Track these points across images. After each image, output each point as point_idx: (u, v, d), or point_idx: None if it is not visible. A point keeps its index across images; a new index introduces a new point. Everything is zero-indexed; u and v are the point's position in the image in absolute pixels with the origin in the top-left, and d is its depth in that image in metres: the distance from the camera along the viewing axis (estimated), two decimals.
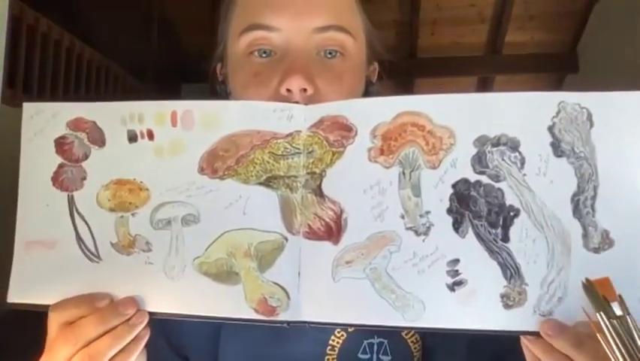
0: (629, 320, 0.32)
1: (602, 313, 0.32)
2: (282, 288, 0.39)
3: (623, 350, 0.31)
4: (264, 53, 0.46)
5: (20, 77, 2.74)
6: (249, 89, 0.46)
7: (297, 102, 0.44)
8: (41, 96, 2.93)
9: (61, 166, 0.43)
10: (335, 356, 0.49)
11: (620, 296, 0.33)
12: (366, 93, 0.52)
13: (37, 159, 0.43)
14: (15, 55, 2.61)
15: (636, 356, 0.31)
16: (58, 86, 3.06)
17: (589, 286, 0.34)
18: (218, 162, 0.41)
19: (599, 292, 0.33)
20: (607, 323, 0.32)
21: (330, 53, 0.46)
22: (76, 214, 0.42)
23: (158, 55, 3.69)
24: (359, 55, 0.49)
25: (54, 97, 3.01)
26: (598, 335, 0.32)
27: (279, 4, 0.45)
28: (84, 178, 0.42)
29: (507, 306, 0.36)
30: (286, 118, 0.40)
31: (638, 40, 2.90)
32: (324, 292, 0.39)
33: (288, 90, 0.44)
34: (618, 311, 0.32)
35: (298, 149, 0.40)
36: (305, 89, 0.44)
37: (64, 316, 0.38)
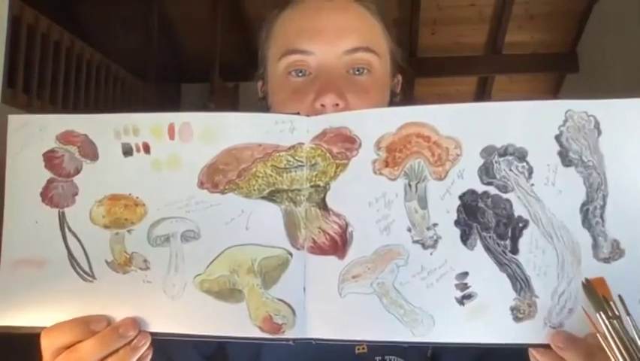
0: (629, 320, 0.31)
1: (601, 313, 0.32)
2: (288, 305, 0.38)
3: (623, 350, 0.30)
4: (300, 72, 0.52)
5: (20, 77, 2.73)
6: (287, 105, 0.52)
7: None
8: (41, 96, 2.89)
9: (50, 181, 0.40)
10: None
11: (620, 296, 0.32)
12: (391, 104, 0.57)
13: (24, 174, 0.40)
14: (15, 55, 2.59)
15: (636, 356, 0.30)
16: (58, 86, 3.02)
17: (589, 286, 0.34)
18: (219, 176, 0.39)
19: (598, 292, 0.33)
20: (607, 322, 0.31)
21: (358, 70, 0.52)
22: (67, 231, 0.40)
23: (158, 55, 3.67)
24: (384, 71, 0.54)
25: (53, 97, 2.96)
26: (598, 335, 0.32)
27: (313, 32, 0.51)
28: (76, 194, 0.40)
29: (517, 319, 0.36)
30: (288, 130, 0.39)
31: (638, 40, 2.96)
32: (331, 308, 0.37)
33: (322, 105, 0.49)
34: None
35: (301, 162, 0.39)
36: (337, 104, 0.48)
37: (59, 341, 0.36)
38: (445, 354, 0.51)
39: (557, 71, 3.99)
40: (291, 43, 0.52)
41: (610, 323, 0.31)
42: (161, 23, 3.71)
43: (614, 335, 0.31)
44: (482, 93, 4.18)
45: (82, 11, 3.69)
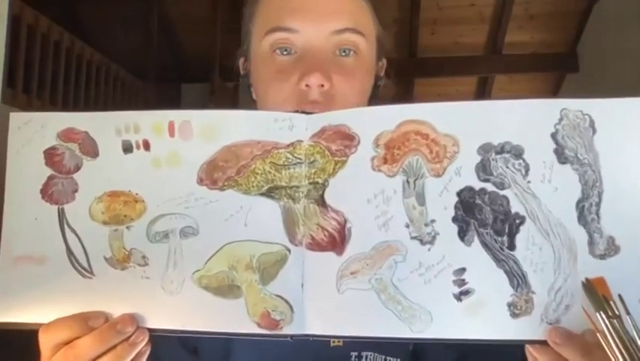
0: (629, 320, 0.32)
1: (601, 312, 0.32)
2: (286, 301, 0.38)
3: (623, 350, 0.30)
4: (285, 50, 0.50)
5: (20, 77, 2.72)
6: (271, 84, 0.50)
7: (315, 100, 0.48)
8: (41, 96, 2.88)
9: (50, 178, 0.41)
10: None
11: (620, 296, 0.33)
12: (375, 88, 0.56)
13: (24, 171, 0.41)
14: (15, 55, 2.59)
15: (636, 356, 0.30)
16: (58, 86, 3.02)
17: (589, 286, 0.34)
18: (218, 173, 0.39)
19: (598, 292, 0.33)
20: (607, 322, 0.31)
21: (344, 52, 0.50)
22: (67, 228, 0.40)
23: (158, 55, 3.67)
24: (370, 53, 0.53)
25: (53, 97, 2.96)
26: (598, 334, 0.32)
27: (299, 9, 0.49)
28: (76, 190, 0.40)
29: (514, 315, 0.36)
30: (287, 128, 0.39)
31: (638, 40, 2.96)
32: (329, 304, 0.38)
33: (307, 85, 0.47)
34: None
35: (300, 159, 0.39)
36: (322, 85, 0.47)
37: (57, 337, 0.36)
38: (428, 350, 0.50)
39: (557, 71, 4.00)
40: (277, 20, 0.50)
41: (610, 322, 0.31)
42: (161, 23, 3.71)
43: (614, 334, 0.31)
44: (482, 93, 4.19)
45: (82, 11, 3.69)
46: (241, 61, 0.58)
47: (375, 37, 0.54)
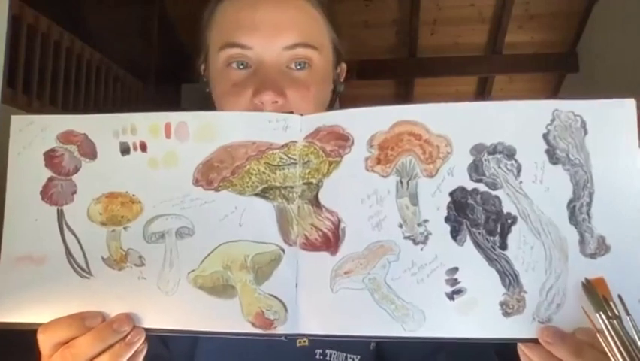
0: (629, 320, 0.32)
1: (601, 313, 0.32)
2: (280, 300, 0.38)
3: (622, 350, 0.31)
4: (242, 65, 0.51)
5: (20, 77, 2.71)
6: (226, 98, 0.51)
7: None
8: (41, 96, 2.89)
9: (50, 180, 0.41)
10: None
11: (619, 296, 0.33)
12: (334, 94, 0.57)
13: (25, 173, 0.41)
14: (15, 55, 2.58)
15: (636, 357, 0.30)
16: (58, 86, 3.02)
17: (589, 287, 0.34)
18: (214, 173, 0.40)
19: (598, 292, 0.33)
20: (607, 323, 0.32)
21: (299, 65, 0.51)
22: (65, 229, 0.41)
23: (158, 55, 3.66)
24: (325, 64, 0.53)
25: (53, 97, 2.96)
26: (598, 335, 0.32)
27: (251, 26, 0.50)
28: (74, 192, 0.41)
29: (506, 314, 0.36)
30: (282, 128, 0.40)
31: (638, 40, 2.95)
32: (323, 304, 0.38)
33: (261, 102, 0.48)
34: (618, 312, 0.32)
35: (294, 159, 0.40)
36: (276, 101, 0.48)
37: (56, 337, 0.37)
38: (391, 348, 0.51)
39: (557, 71, 3.98)
40: (230, 36, 0.50)
41: (610, 323, 0.31)
42: (161, 24, 3.72)
43: (613, 335, 0.31)
44: (482, 93, 4.19)
45: (82, 11, 3.69)
46: (202, 67, 0.59)
47: (330, 46, 0.55)
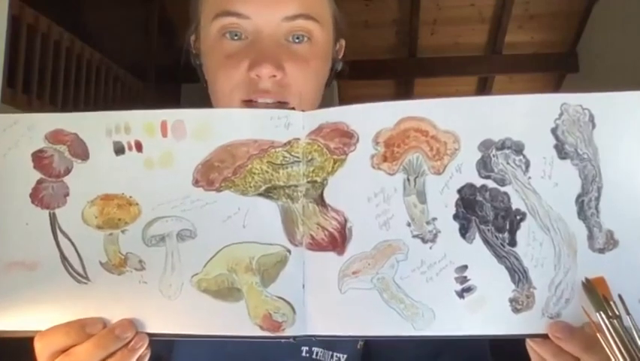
0: (629, 320, 0.32)
1: (602, 312, 0.32)
2: (287, 302, 0.37)
3: (623, 350, 0.31)
4: (236, 35, 0.47)
5: (20, 77, 2.68)
6: (220, 70, 0.48)
7: (266, 89, 0.46)
8: (41, 96, 2.83)
9: (40, 182, 0.39)
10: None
11: (620, 296, 0.33)
12: (333, 71, 0.54)
13: (13, 175, 0.39)
14: (15, 55, 2.54)
15: (636, 356, 0.30)
16: (58, 86, 2.97)
17: (589, 286, 0.34)
18: (214, 174, 0.38)
19: (598, 292, 0.33)
20: (607, 322, 0.32)
21: (297, 38, 0.48)
22: (59, 233, 0.39)
23: (158, 55, 3.60)
24: (325, 38, 0.50)
25: (53, 97, 2.90)
26: (598, 334, 0.32)
27: None
28: (67, 194, 0.39)
29: (516, 310, 0.36)
30: (283, 126, 0.39)
31: (638, 40, 2.98)
32: (331, 305, 0.37)
33: (258, 76, 0.45)
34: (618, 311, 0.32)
35: (297, 157, 0.38)
36: (274, 75, 0.45)
37: (54, 345, 0.36)
38: (382, 350, 0.50)
39: (557, 71, 4.01)
40: (225, 4, 0.47)
41: (610, 322, 0.31)
42: (161, 23, 3.65)
43: (614, 334, 0.31)
44: (482, 93, 4.20)
45: (82, 11, 3.60)
46: (192, 39, 0.55)
47: (331, 20, 0.51)
